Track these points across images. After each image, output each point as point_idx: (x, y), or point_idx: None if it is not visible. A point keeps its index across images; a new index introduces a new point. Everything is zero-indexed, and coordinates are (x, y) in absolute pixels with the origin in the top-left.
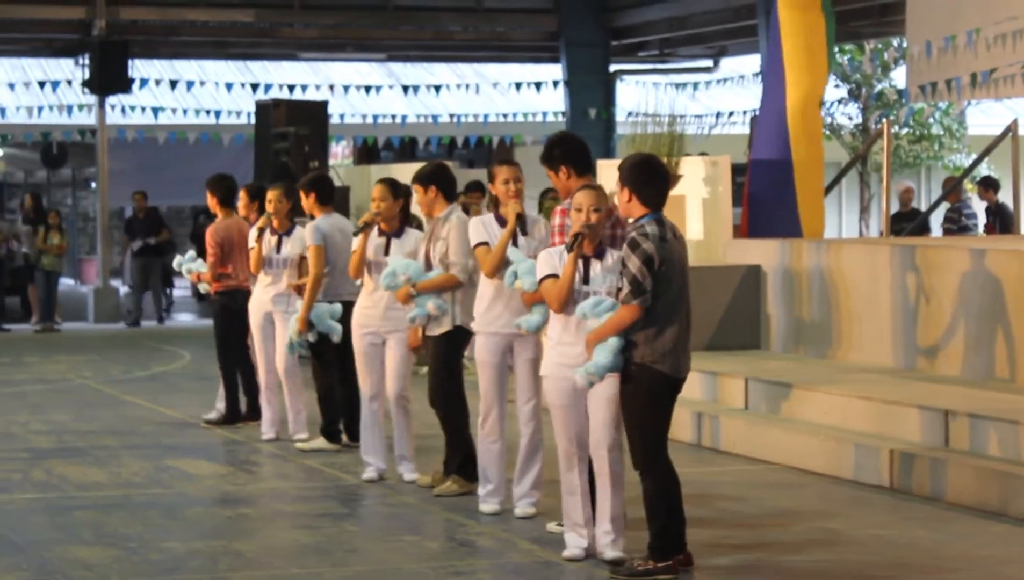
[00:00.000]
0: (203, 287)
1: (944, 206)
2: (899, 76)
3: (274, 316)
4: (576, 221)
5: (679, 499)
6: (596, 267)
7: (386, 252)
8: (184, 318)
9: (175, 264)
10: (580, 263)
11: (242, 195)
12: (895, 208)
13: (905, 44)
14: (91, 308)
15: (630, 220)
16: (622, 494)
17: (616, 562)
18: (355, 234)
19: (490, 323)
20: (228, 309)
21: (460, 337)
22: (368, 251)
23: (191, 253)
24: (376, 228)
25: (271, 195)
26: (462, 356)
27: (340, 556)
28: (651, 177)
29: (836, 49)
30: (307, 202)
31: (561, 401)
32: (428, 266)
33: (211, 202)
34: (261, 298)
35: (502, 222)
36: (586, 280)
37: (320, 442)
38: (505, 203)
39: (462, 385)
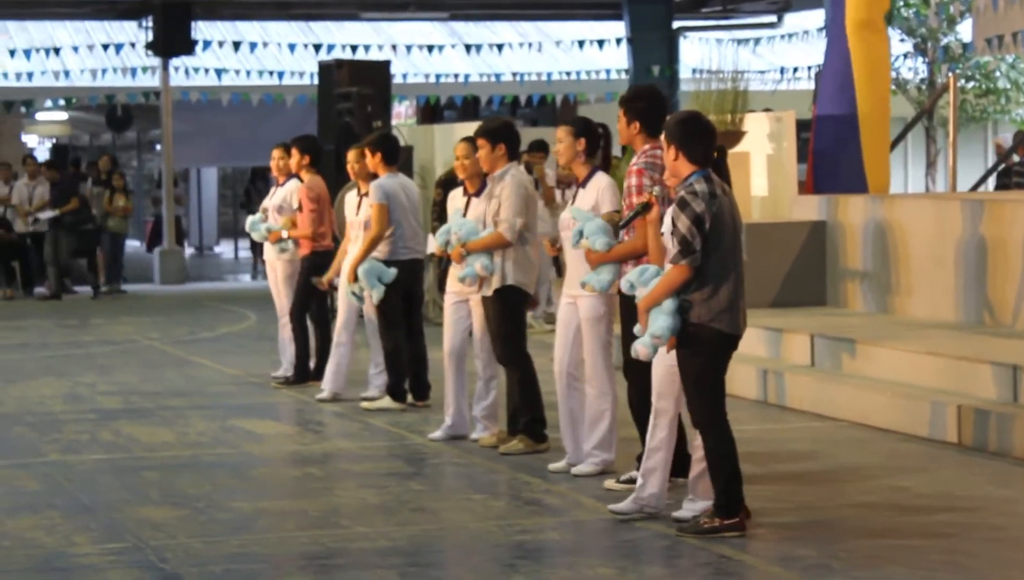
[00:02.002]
0: (280, 247)
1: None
2: (965, 29)
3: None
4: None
5: (737, 456)
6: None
7: (465, 213)
8: (245, 278)
9: (247, 226)
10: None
11: (294, 152)
12: (991, 162)
13: None
14: (157, 270)
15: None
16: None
17: (682, 520)
18: None
19: (563, 285)
20: (319, 269)
21: (513, 295)
22: (451, 212)
23: (260, 214)
24: (460, 188)
25: (351, 156)
26: (522, 314)
27: (406, 515)
28: (697, 133)
29: (901, 3)
30: (372, 161)
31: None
32: (486, 225)
33: (299, 161)
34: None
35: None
36: None
37: (386, 401)
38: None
39: (526, 343)
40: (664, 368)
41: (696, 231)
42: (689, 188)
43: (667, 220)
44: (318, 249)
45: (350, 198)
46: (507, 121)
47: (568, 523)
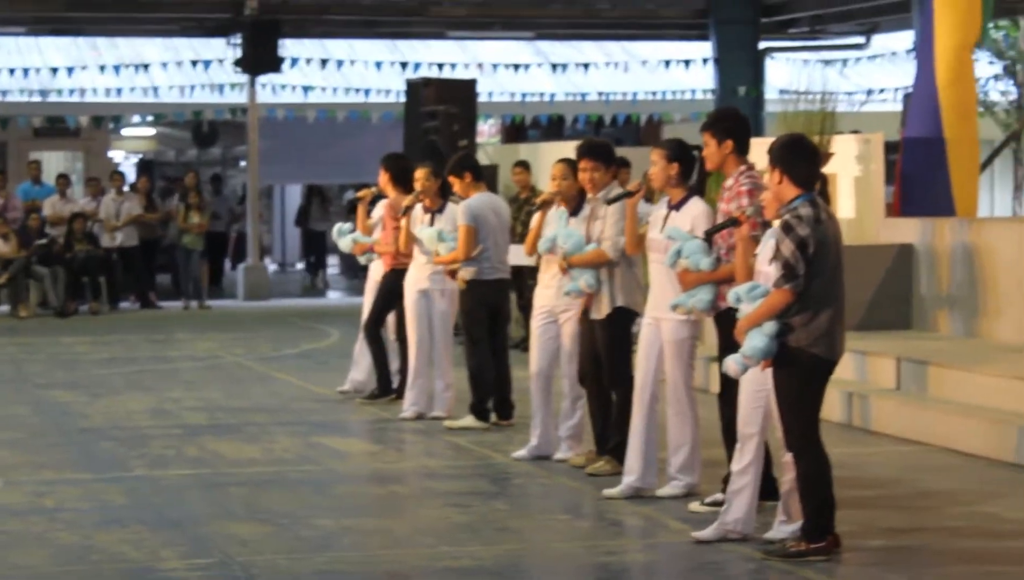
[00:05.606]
0: (363, 259)
1: None
2: None
3: (431, 294)
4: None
5: (831, 481)
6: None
7: None
8: (333, 295)
9: (334, 235)
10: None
11: (382, 171)
12: None
13: None
14: (241, 286)
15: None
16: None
17: (771, 542)
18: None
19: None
20: (398, 286)
21: (623, 318)
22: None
23: (350, 224)
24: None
25: (419, 173)
26: (630, 337)
27: (491, 535)
28: (802, 157)
29: (991, 25)
30: (461, 184)
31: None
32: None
33: (383, 179)
34: (417, 276)
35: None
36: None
37: (469, 420)
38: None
39: (632, 367)
40: (751, 393)
41: (800, 256)
42: (794, 212)
43: (770, 244)
44: (397, 266)
45: (414, 214)
46: (606, 141)
47: (652, 545)
